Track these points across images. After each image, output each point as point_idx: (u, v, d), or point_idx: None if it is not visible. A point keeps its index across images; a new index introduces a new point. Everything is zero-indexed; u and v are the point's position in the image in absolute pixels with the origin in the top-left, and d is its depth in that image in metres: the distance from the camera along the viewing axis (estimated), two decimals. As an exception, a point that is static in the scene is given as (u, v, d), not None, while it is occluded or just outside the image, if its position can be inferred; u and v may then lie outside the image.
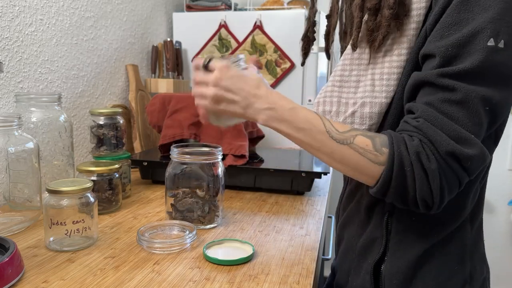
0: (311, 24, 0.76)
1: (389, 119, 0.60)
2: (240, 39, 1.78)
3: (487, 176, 0.63)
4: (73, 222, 0.70)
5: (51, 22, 1.10)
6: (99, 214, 0.84)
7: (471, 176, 0.53)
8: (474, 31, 0.50)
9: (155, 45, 1.69)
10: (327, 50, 0.76)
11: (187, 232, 0.76)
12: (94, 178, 0.88)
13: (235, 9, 1.87)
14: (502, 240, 2.25)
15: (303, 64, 0.78)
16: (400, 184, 0.52)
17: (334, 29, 0.73)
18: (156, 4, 1.72)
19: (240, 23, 1.77)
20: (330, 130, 0.56)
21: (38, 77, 1.07)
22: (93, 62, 1.29)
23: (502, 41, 0.50)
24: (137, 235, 0.74)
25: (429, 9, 0.57)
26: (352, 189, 0.71)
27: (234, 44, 1.79)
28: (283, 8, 1.79)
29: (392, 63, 0.59)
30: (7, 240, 0.64)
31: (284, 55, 1.72)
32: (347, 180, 0.77)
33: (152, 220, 0.88)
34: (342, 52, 0.74)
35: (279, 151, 1.41)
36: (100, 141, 1.02)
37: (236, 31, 1.78)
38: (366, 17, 0.61)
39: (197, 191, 0.84)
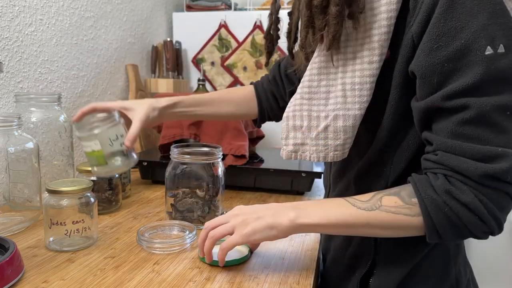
0: (273, 21, 0.72)
1: (383, 132, 0.58)
2: (240, 39, 1.78)
3: None
4: (73, 222, 0.70)
5: (51, 22, 1.10)
6: (99, 214, 0.84)
7: None
8: (468, 41, 0.47)
9: (155, 45, 1.69)
10: (290, 49, 0.72)
11: (187, 232, 0.76)
12: (94, 178, 0.88)
13: (235, 9, 1.87)
14: (502, 240, 2.25)
15: (267, 64, 0.75)
16: (447, 227, 0.50)
17: (296, 26, 0.69)
18: (156, 4, 1.72)
19: (240, 23, 1.77)
20: (356, 203, 0.55)
21: (38, 77, 1.07)
22: (93, 62, 1.29)
23: (501, 45, 0.47)
24: (137, 235, 0.74)
25: (401, 12, 0.53)
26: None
27: (234, 44, 1.79)
28: (284, 8, 1.79)
29: (363, 71, 0.56)
30: (7, 240, 0.64)
31: (284, 55, 1.72)
32: (329, 188, 0.74)
33: (152, 220, 0.88)
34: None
35: (279, 151, 1.41)
36: (100, 141, 1.02)
37: (236, 31, 1.78)
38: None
39: (197, 191, 0.84)
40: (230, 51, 1.80)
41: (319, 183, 1.23)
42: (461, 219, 0.49)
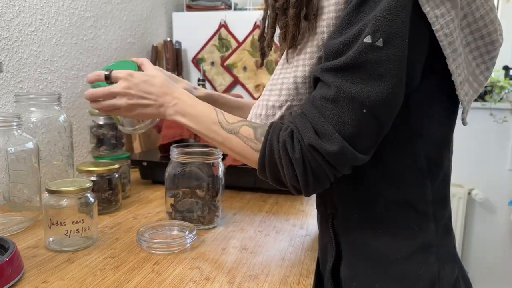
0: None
1: None
2: (240, 39, 1.78)
3: (442, 172, 0.60)
4: (73, 222, 0.70)
5: (50, 22, 1.10)
6: (98, 214, 0.84)
7: (340, 170, 0.54)
8: (360, 28, 0.49)
9: (155, 45, 1.69)
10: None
11: (187, 232, 0.76)
12: (93, 178, 0.88)
13: (235, 9, 1.87)
14: (502, 240, 2.25)
15: (261, 65, 0.79)
16: (273, 170, 0.57)
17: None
18: (156, 4, 1.72)
19: (240, 23, 1.77)
20: (222, 121, 0.62)
21: (38, 77, 1.07)
22: (93, 62, 1.29)
23: (381, 39, 0.47)
24: (136, 235, 0.74)
25: None
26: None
27: (234, 44, 1.79)
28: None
29: (313, 66, 0.59)
30: (6, 240, 0.64)
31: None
32: None
33: (152, 220, 0.88)
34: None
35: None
36: (99, 141, 1.02)
37: (236, 31, 1.78)
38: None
39: (197, 191, 0.84)
40: (230, 51, 1.80)
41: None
42: (284, 170, 0.55)
